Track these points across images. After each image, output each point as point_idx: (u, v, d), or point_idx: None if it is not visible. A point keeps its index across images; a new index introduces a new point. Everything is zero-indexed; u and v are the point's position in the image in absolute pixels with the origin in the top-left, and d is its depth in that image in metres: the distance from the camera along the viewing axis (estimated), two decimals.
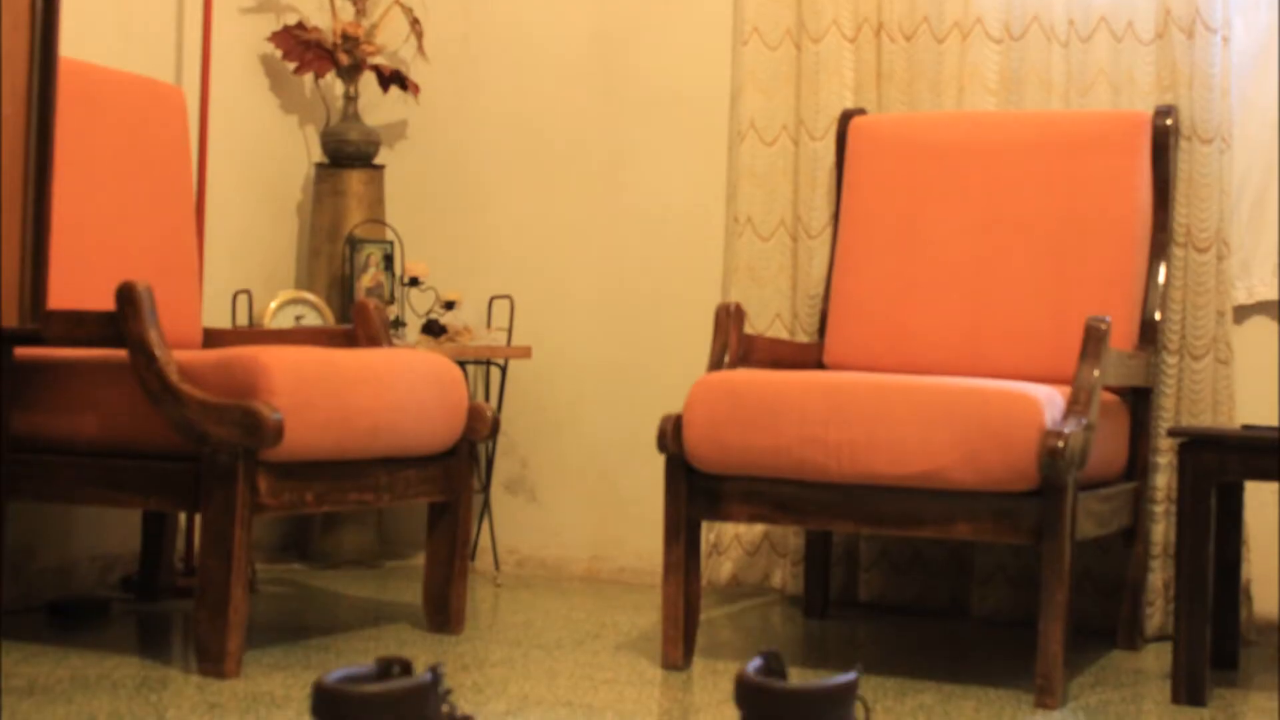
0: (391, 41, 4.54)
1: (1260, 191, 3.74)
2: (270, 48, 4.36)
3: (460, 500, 3.41)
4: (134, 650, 3.18)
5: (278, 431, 2.86)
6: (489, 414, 3.39)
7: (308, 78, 4.51)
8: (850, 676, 1.81)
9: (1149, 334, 3.58)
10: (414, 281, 4.22)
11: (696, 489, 3.15)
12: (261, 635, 3.31)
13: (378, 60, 4.46)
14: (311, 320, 4.14)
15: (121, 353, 2.97)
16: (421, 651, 3.22)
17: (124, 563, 3.89)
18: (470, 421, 3.38)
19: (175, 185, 3.68)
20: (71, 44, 3.48)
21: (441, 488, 3.38)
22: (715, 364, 3.35)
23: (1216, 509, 3.18)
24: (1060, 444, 2.85)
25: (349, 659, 3.11)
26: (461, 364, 4.20)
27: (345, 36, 4.33)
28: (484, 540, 4.37)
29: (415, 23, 4.41)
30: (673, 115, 4.30)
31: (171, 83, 3.96)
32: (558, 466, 4.40)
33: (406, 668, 1.78)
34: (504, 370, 4.31)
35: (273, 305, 4.09)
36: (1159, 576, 3.65)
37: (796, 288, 4.02)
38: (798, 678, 2.98)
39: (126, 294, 2.94)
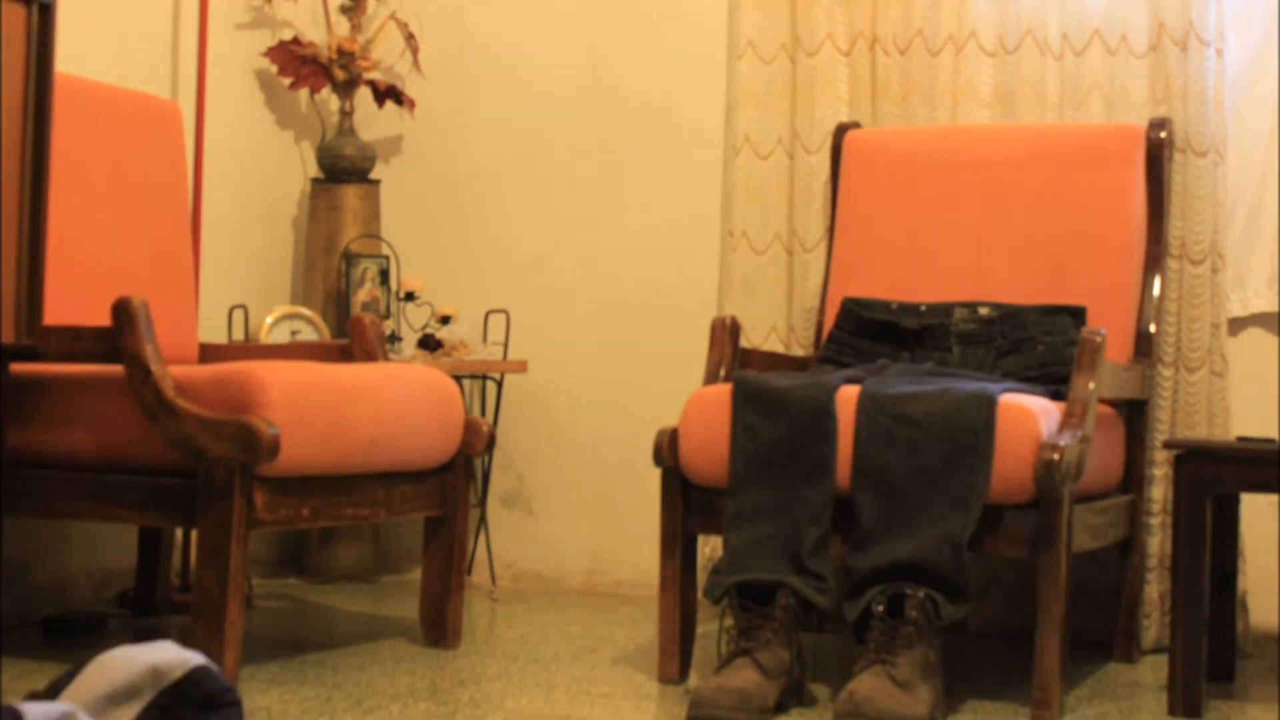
0: (387, 57, 4.55)
1: (1254, 204, 3.74)
2: (266, 63, 4.37)
3: (457, 515, 3.41)
4: None
5: (274, 446, 2.86)
6: (485, 428, 3.39)
7: (303, 93, 4.52)
8: None
9: (1144, 346, 3.58)
10: (410, 296, 4.22)
11: (692, 502, 3.15)
12: (258, 650, 3.31)
13: (373, 75, 4.46)
14: (307, 335, 4.14)
15: (117, 368, 2.97)
16: (419, 666, 3.21)
17: (120, 578, 3.89)
18: (466, 436, 3.38)
19: (171, 200, 3.68)
20: (67, 59, 3.48)
21: (438, 502, 3.38)
22: (711, 377, 3.35)
23: (1212, 521, 3.18)
24: (1056, 456, 2.85)
25: (346, 674, 3.10)
26: (458, 378, 4.20)
27: (341, 52, 4.33)
28: (480, 554, 4.37)
29: (411, 38, 4.42)
30: (668, 129, 4.31)
31: (167, 98, 3.96)
32: (554, 480, 4.40)
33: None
34: (500, 385, 4.31)
35: (268, 320, 4.10)
36: (1155, 588, 3.65)
37: (792, 301, 4.03)
38: None
39: (122, 309, 2.94)
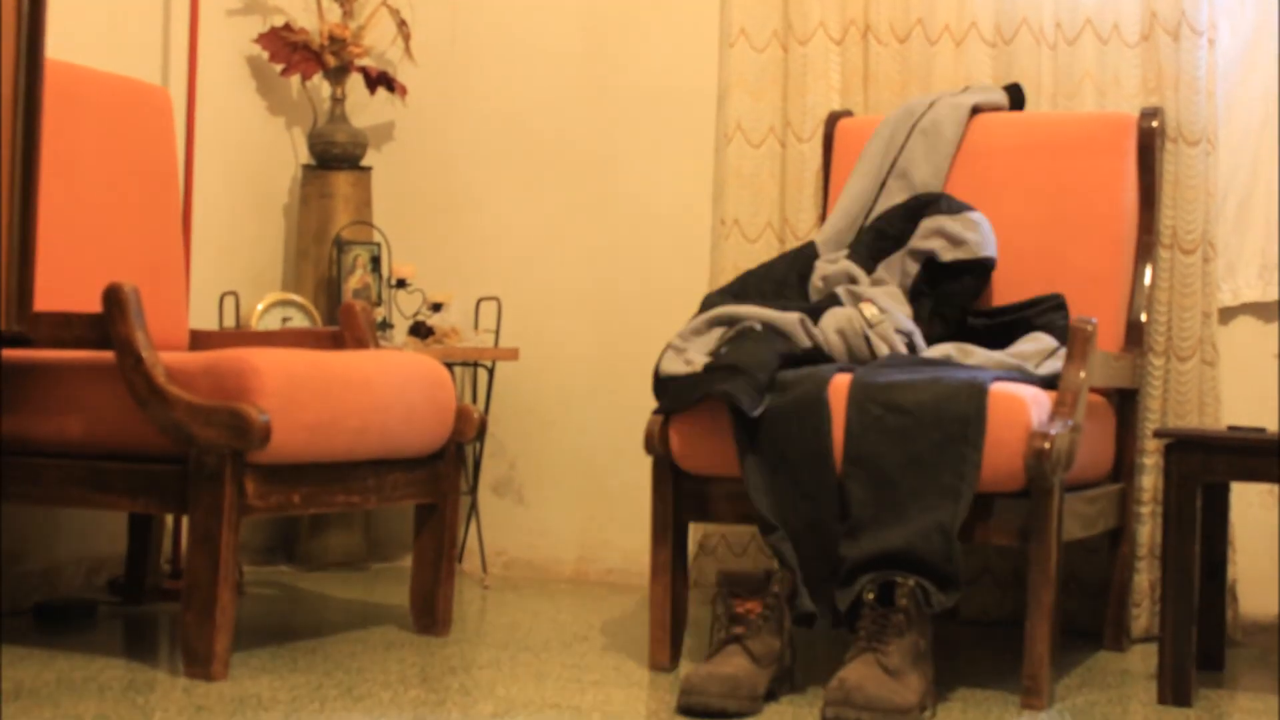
0: (379, 43, 4.54)
1: (1245, 193, 3.75)
2: (257, 49, 4.36)
3: (448, 502, 3.41)
4: (121, 653, 3.17)
5: (265, 433, 2.85)
6: (476, 416, 3.39)
7: (295, 79, 4.51)
8: None
9: (1135, 335, 3.58)
10: (401, 283, 4.22)
11: (684, 490, 3.15)
12: (249, 637, 3.31)
13: (365, 62, 4.46)
14: (299, 322, 4.14)
15: (108, 354, 2.96)
16: (409, 653, 3.22)
17: (111, 565, 3.89)
18: (458, 423, 3.38)
19: (162, 187, 3.68)
20: (58, 45, 3.48)
21: (429, 490, 3.38)
22: None
23: (1202, 510, 3.19)
24: (1047, 445, 2.86)
25: (336, 662, 3.11)
26: (449, 366, 4.20)
27: (332, 38, 4.33)
28: (471, 542, 4.37)
29: (402, 24, 4.41)
30: (660, 117, 4.31)
31: (158, 84, 3.96)
32: (545, 468, 4.40)
33: None
34: (491, 372, 4.31)
35: (260, 307, 4.09)
36: (1145, 577, 3.66)
37: None
38: None
39: (113, 295, 2.93)
